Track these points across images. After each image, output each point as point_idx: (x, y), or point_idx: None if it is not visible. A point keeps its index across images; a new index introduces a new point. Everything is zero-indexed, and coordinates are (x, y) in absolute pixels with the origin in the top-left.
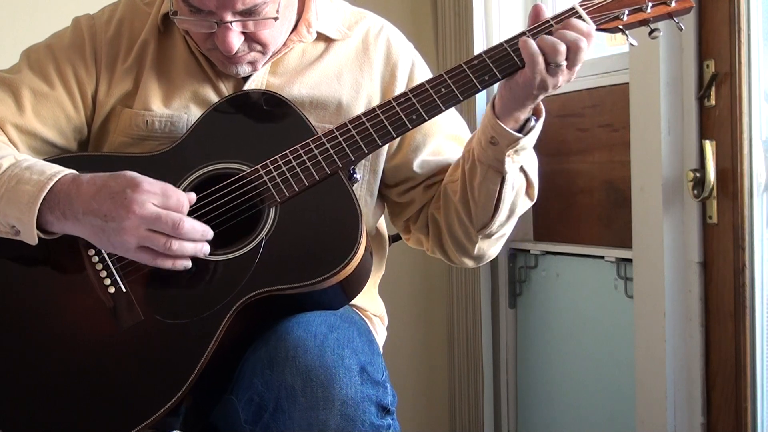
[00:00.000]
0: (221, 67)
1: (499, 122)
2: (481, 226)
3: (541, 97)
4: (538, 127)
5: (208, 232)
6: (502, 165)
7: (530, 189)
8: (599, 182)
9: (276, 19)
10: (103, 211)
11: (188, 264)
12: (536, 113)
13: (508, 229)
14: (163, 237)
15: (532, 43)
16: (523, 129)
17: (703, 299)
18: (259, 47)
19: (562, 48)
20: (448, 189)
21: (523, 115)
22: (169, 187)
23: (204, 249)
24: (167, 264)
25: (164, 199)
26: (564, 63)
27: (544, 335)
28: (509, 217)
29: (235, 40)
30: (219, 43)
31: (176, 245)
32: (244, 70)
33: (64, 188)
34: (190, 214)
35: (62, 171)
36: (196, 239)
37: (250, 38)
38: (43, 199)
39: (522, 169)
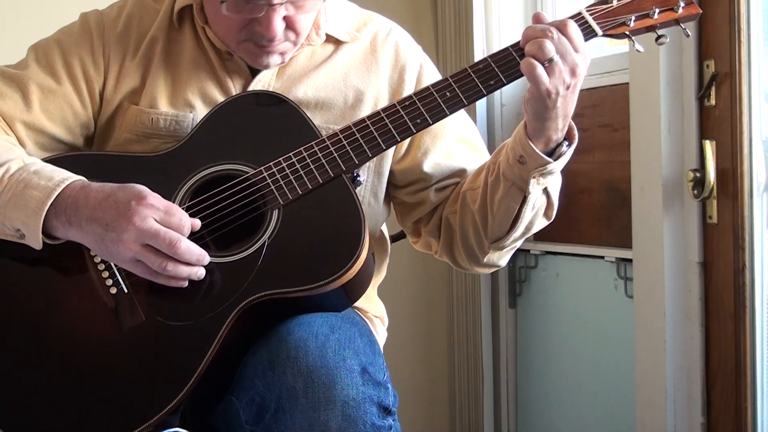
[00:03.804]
0: (251, 59)
1: (530, 143)
2: (494, 238)
3: (559, 106)
4: (568, 153)
5: (204, 258)
6: (527, 185)
7: (549, 210)
8: (599, 182)
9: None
10: (106, 220)
11: (184, 284)
12: (569, 138)
13: (520, 243)
14: (159, 257)
15: (525, 58)
16: (554, 153)
17: (703, 299)
18: (292, 36)
19: (545, 43)
20: (468, 196)
21: (555, 135)
22: (174, 206)
23: (199, 273)
24: (161, 281)
25: (166, 217)
26: (555, 56)
27: (544, 335)
28: (524, 234)
29: (279, 25)
30: (262, 28)
31: (171, 267)
32: (275, 60)
33: (72, 194)
34: (192, 216)
35: (70, 177)
36: (191, 262)
37: (289, 25)
38: (50, 205)
39: (545, 190)
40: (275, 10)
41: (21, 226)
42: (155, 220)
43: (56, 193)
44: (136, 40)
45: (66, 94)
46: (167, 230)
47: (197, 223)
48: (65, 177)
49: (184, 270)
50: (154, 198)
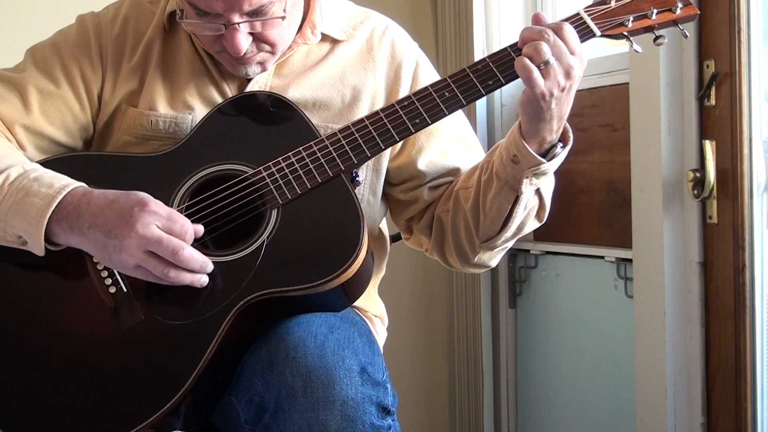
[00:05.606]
0: (230, 68)
1: (524, 143)
2: (485, 238)
3: (554, 108)
4: (562, 154)
5: (207, 265)
6: (519, 185)
7: (542, 211)
8: (599, 182)
9: (283, 18)
10: (108, 227)
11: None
12: (564, 139)
13: (510, 244)
14: (162, 264)
15: (520, 57)
16: (548, 153)
17: (703, 299)
18: (267, 47)
19: (541, 45)
20: (461, 195)
21: (549, 137)
22: (177, 213)
23: (202, 281)
24: (165, 282)
25: (169, 223)
26: (550, 59)
27: (544, 335)
28: (515, 234)
29: (244, 42)
30: (227, 45)
31: (173, 274)
32: (253, 70)
33: (73, 201)
34: (191, 217)
35: (71, 184)
36: (194, 270)
37: (258, 39)
38: (51, 212)
39: (538, 191)
40: (236, 28)
41: (23, 234)
42: (158, 226)
43: (57, 201)
44: (133, 42)
45: (64, 97)
46: (170, 237)
47: (200, 228)
48: (66, 184)
49: (186, 277)
50: (157, 205)
